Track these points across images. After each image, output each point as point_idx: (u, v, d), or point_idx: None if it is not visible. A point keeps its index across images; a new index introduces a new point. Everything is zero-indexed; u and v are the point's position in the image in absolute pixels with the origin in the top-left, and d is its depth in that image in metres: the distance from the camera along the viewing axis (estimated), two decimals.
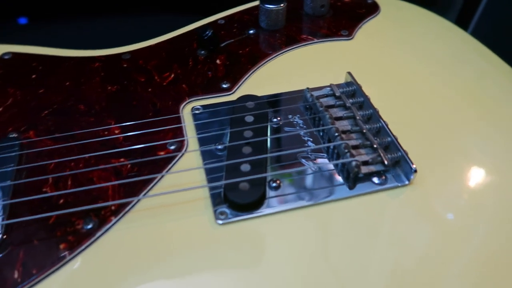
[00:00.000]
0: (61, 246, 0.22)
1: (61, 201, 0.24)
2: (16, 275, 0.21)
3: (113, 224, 0.23)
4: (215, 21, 0.38)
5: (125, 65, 0.33)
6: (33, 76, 0.32)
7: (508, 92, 0.33)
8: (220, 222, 0.23)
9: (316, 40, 0.36)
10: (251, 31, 0.37)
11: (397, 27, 0.38)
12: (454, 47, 0.37)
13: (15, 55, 0.34)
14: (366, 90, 0.30)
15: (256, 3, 0.40)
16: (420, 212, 0.24)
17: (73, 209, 0.23)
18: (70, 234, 0.22)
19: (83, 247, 0.22)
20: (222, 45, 0.35)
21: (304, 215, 0.24)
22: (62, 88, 0.31)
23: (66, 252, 0.21)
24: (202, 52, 0.34)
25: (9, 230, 0.22)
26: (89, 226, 0.22)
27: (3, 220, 0.22)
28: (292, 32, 0.37)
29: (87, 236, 0.22)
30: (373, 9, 0.40)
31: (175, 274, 0.21)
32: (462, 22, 0.60)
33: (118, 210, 0.23)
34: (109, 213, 0.23)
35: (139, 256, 0.22)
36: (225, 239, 0.22)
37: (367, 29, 0.38)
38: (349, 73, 0.31)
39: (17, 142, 0.26)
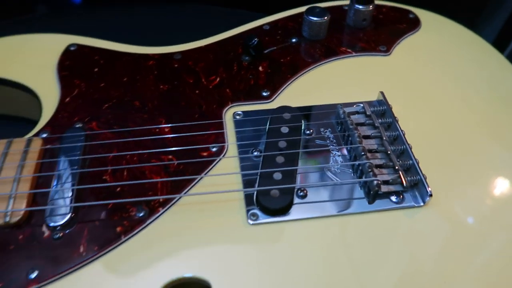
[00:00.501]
0: (118, 229, 0.26)
1: (118, 189, 0.28)
2: (81, 249, 0.25)
3: (160, 215, 0.27)
4: (261, 26, 0.41)
5: (176, 65, 0.36)
6: (95, 70, 0.36)
7: None
8: (251, 222, 0.27)
9: (354, 54, 0.38)
10: (294, 40, 0.39)
11: (435, 46, 0.39)
12: (489, 71, 0.38)
13: (80, 47, 0.38)
14: (396, 109, 0.32)
15: (301, 9, 0.42)
16: (431, 232, 0.27)
17: (129, 199, 0.27)
18: (125, 220, 0.26)
19: (135, 231, 0.26)
20: (266, 51, 0.38)
21: (326, 223, 0.27)
22: (120, 83, 0.35)
23: (122, 235, 0.26)
24: (246, 58, 0.37)
25: (76, 211, 0.26)
26: (141, 214, 0.26)
27: (71, 202, 0.26)
28: (332, 43, 0.39)
29: (139, 223, 0.26)
30: (414, 24, 0.41)
31: (208, 262, 0.25)
32: (500, 42, 0.60)
33: (165, 203, 0.27)
34: (157, 204, 0.27)
35: (180, 243, 0.26)
36: (254, 237, 0.26)
37: (406, 46, 0.39)
38: (381, 92, 0.33)
39: (82, 133, 0.30)
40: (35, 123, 0.37)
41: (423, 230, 0.27)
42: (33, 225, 0.26)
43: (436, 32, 0.41)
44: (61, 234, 0.25)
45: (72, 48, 0.37)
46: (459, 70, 0.37)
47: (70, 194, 0.27)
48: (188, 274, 0.24)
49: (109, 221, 0.26)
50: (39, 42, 0.39)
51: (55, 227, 0.26)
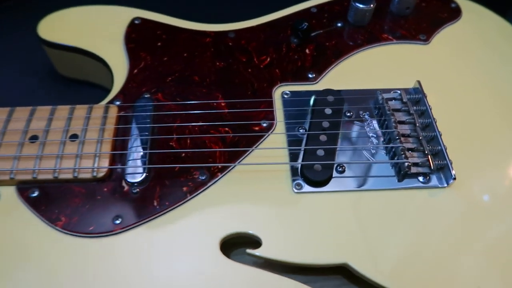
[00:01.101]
0: (184, 188, 0.31)
1: (183, 155, 0.32)
2: (155, 203, 0.30)
3: (219, 179, 0.31)
4: (309, 9, 0.43)
5: (230, 43, 0.40)
6: (158, 44, 0.40)
7: None
8: (296, 190, 0.31)
9: (395, 41, 0.41)
10: (339, 24, 0.42)
11: (473, 37, 0.42)
12: None
13: (144, 21, 0.41)
14: (431, 97, 0.36)
15: None
16: (450, 210, 0.31)
17: (195, 165, 0.31)
18: (190, 181, 0.31)
19: (199, 192, 0.31)
20: (313, 34, 0.41)
21: (359, 196, 0.31)
22: (181, 58, 0.39)
23: (188, 194, 0.30)
24: (295, 40, 0.40)
25: (149, 171, 0.31)
26: (203, 178, 0.31)
27: (145, 164, 0.31)
28: (375, 29, 0.41)
29: (201, 185, 0.31)
30: (455, 14, 0.43)
31: (259, 221, 0.30)
32: None
33: (223, 169, 0.32)
34: (216, 170, 0.32)
35: (235, 204, 0.30)
36: (297, 204, 0.31)
37: (445, 35, 0.42)
38: (418, 81, 0.36)
39: (151, 103, 0.35)
40: (102, 88, 0.42)
41: (444, 208, 0.31)
42: (115, 181, 0.31)
43: (476, 23, 0.43)
44: (138, 190, 0.31)
45: (136, 22, 0.41)
46: (493, 63, 0.40)
47: (144, 156, 0.32)
48: (243, 230, 0.29)
49: (177, 182, 0.31)
50: (106, 13, 0.42)
51: (133, 183, 0.31)
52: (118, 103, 0.35)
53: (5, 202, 0.30)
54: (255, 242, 0.29)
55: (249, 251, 0.29)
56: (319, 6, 0.43)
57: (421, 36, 0.41)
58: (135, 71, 0.37)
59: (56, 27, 0.40)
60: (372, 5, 0.40)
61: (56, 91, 0.44)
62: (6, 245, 0.28)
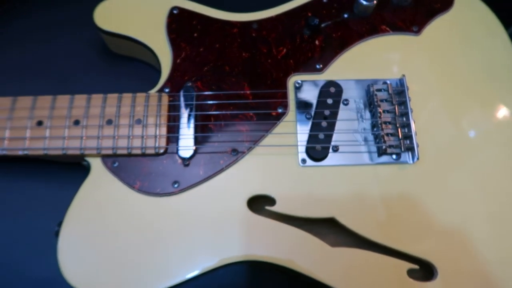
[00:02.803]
0: (221, 161, 0.43)
1: (219, 135, 0.44)
2: (201, 172, 0.42)
3: (245, 155, 0.43)
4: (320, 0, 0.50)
5: (253, 34, 0.48)
6: (195, 35, 0.48)
7: None
8: (301, 164, 0.43)
9: (391, 32, 0.48)
10: (345, 15, 0.49)
11: (460, 30, 0.49)
12: (495, 58, 0.48)
13: (181, 10, 0.49)
14: (414, 87, 0.45)
15: None
16: (414, 180, 0.43)
17: (229, 143, 0.43)
18: (225, 156, 0.43)
19: (231, 164, 0.43)
20: (323, 25, 0.48)
21: (348, 168, 0.43)
22: (214, 49, 0.47)
23: (224, 165, 0.42)
24: (307, 32, 0.48)
25: (196, 149, 0.43)
26: (234, 153, 0.43)
27: (193, 143, 0.43)
28: (376, 21, 0.49)
29: (233, 158, 0.43)
30: (448, 4, 0.50)
31: (275, 186, 0.42)
32: None
33: (248, 148, 0.43)
34: (243, 147, 0.43)
35: (257, 173, 0.42)
36: (302, 174, 0.43)
37: (435, 26, 0.49)
38: (403, 75, 0.45)
39: (194, 93, 0.45)
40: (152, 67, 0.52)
41: (409, 179, 0.43)
42: (171, 155, 0.43)
43: (463, 14, 0.49)
44: (188, 162, 0.43)
45: (175, 12, 0.49)
46: (473, 55, 0.48)
47: (193, 138, 0.43)
48: (262, 192, 0.42)
49: (216, 157, 0.43)
50: (146, 2, 0.50)
51: (184, 158, 0.43)
52: (167, 90, 0.45)
53: (96, 170, 0.42)
54: (272, 200, 0.42)
55: (268, 207, 0.42)
56: None
57: (414, 28, 0.48)
58: (178, 60, 0.47)
59: (109, 16, 0.48)
60: (375, 1, 0.47)
61: (107, 65, 0.54)
62: (101, 201, 0.41)
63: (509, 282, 0.41)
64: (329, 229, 0.42)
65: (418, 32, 0.48)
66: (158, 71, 0.49)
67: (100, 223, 0.41)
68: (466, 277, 0.40)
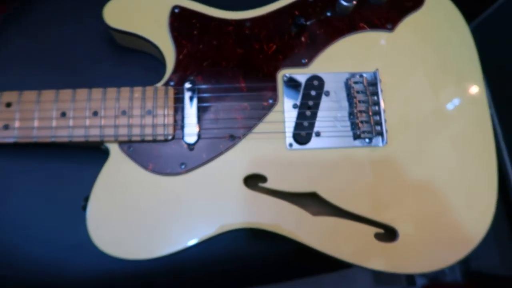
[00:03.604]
0: (221, 146, 0.50)
1: (218, 123, 0.51)
2: (204, 155, 0.50)
3: (241, 140, 0.50)
4: None
5: (247, 32, 0.54)
6: (195, 32, 0.54)
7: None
8: (289, 148, 0.51)
9: (368, 29, 0.55)
10: (328, 14, 0.55)
11: (429, 26, 0.55)
12: (456, 54, 0.55)
13: (181, 9, 0.55)
14: (387, 78, 0.52)
15: None
16: (384, 159, 0.51)
17: (226, 130, 0.50)
18: (224, 141, 0.50)
19: (229, 148, 0.50)
20: (308, 23, 0.55)
21: (329, 150, 0.51)
22: (212, 45, 0.54)
23: (223, 149, 0.50)
24: (295, 29, 0.54)
25: (199, 135, 0.50)
26: (231, 139, 0.50)
27: (199, 131, 0.50)
28: (355, 19, 0.55)
29: (230, 144, 0.50)
30: (418, 3, 0.56)
31: (264, 166, 0.50)
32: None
33: (244, 134, 0.51)
34: (239, 134, 0.51)
35: (250, 155, 0.50)
36: (290, 156, 0.50)
37: (406, 24, 0.55)
38: (377, 69, 0.52)
39: (196, 86, 0.52)
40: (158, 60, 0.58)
41: (380, 158, 0.51)
42: (178, 141, 0.50)
43: (433, 12, 0.56)
44: (193, 147, 0.50)
45: (176, 10, 0.55)
46: (438, 49, 0.55)
47: (196, 126, 0.50)
48: (256, 171, 0.50)
49: (216, 142, 0.50)
50: (150, 1, 0.55)
51: (189, 143, 0.50)
52: (172, 84, 0.52)
53: (114, 154, 0.50)
54: (264, 178, 0.50)
55: (261, 184, 0.50)
56: None
57: (388, 25, 0.55)
58: (180, 56, 0.53)
59: (117, 14, 0.54)
60: (354, 2, 0.53)
61: (115, 57, 0.60)
62: (120, 180, 0.49)
63: (460, 242, 0.50)
64: (311, 201, 0.51)
65: (392, 29, 0.55)
66: (160, 62, 0.56)
67: (120, 198, 0.49)
68: (422, 240, 0.49)
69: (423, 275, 1.01)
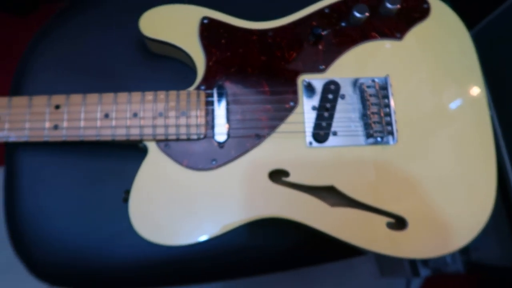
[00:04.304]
0: (247, 144, 0.56)
1: (245, 123, 0.57)
2: (233, 152, 0.56)
3: (265, 139, 0.56)
4: (323, 9, 0.61)
5: (269, 41, 0.60)
6: (223, 41, 0.60)
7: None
8: (309, 146, 0.56)
9: (379, 38, 0.60)
10: (343, 24, 0.61)
11: (434, 35, 0.60)
12: (466, 61, 0.60)
13: (210, 20, 0.60)
14: (396, 83, 0.58)
15: None
16: (393, 155, 0.56)
17: (251, 131, 0.56)
18: (250, 140, 0.56)
19: (255, 146, 0.56)
20: (324, 33, 0.60)
21: (345, 148, 0.56)
22: (238, 53, 0.59)
23: (249, 147, 0.56)
24: (312, 38, 0.60)
25: (228, 135, 0.56)
26: (257, 138, 0.56)
27: (228, 131, 0.56)
28: (367, 29, 0.60)
29: (256, 142, 0.56)
30: (425, 14, 0.61)
31: (289, 161, 0.55)
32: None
33: (268, 133, 0.56)
34: (264, 133, 0.56)
35: (275, 152, 0.56)
36: (310, 153, 0.56)
37: (414, 33, 0.60)
38: (388, 75, 0.58)
39: (224, 90, 0.57)
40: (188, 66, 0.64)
41: (390, 155, 0.56)
42: (209, 140, 0.56)
43: (437, 22, 0.61)
44: (222, 145, 0.56)
45: (205, 21, 0.60)
46: (442, 56, 0.60)
47: (225, 126, 0.56)
48: (279, 167, 0.55)
49: (243, 140, 0.56)
50: (183, 12, 0.61)
51: (219, 142, 0.56)
52: (203, 88, 0.58)
53: (152, 151, 0.55)
54: (286, 173, 0.56)
55: (284, 178, 0.55)
56: (331, 7, 0.61)
57: (397, 34, 0.60)
58: (210, 63, 0.59)
59: (152, 24, 0.59)
60: (367, 14, 0.59)
61: (148, 63, 0.65)
62: (158, 174, 0.55)
63: (462, 232, 0.56)
64: (328, 193, 0.56)
65: (400, 37, 0.60)
66: (188, 67, 0.61)
67: (157, 190, 0.54)
68: (430, 229, 0.55)
69: (427, 266, 1.07)
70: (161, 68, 0.65)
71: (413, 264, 1.08)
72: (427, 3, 0.62)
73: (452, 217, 0.56)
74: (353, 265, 1.15)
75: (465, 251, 1.05)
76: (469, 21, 0.63)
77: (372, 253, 0.56)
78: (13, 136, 0.55)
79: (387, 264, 1.15)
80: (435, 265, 1.05)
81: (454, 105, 0.59)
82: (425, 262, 1.06)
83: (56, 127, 0.55)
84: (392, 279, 1.17)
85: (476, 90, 0.60)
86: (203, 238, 0.53)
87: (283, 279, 1.13)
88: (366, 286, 1.15)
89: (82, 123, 0.55)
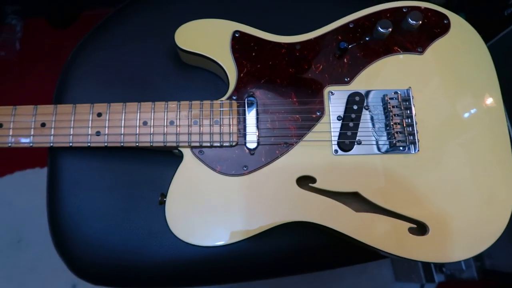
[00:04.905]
0: (277, 152, 0.59)
1: (275, 131, 0.60)
2: (263, 159, 0.59)
3: (294, 147, 0.59)
4: (348, 24, 0.65)
5: (297, 54, 0.63)
6: (253, 54, 0.63)
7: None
8: (334, 154, 0.59)
9: (401, 52, 0.63)
10: (367, 38, 0.64)
11: (454, 49, 0.63)
12: (484, 73, 0.63)
13: (241, 34, 0.64)
14: (418, 95, 0.61)
15: (377, 8, 0.65)
16: (415, 163, 0.59)
17: (281, 139, 0.59)
18: (279, 148, 0.59)
19: (284, 153, 0.59)
20: (350, 47, 0.64)
21: (369, 157, 0.60)
22: (267, 65, 0.63)
23: (279, 154, 0.59)
24: (338, 52, 0.63)
25: (259, 142, 0.59)
26: (286, 146, 0.59)
27: (258, 139, 0.59)
28: (390, 43, 0.64)
29: (285, 150, 0.59)
30: (445, 29, 0.65)
31: (315, 167, 0.59)
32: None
33: (296, 141, 0.60)
34: (292, 141, 0.60)
35: (302, 158, 0.59)
36: (335, 161, 0.59)
37: (435, 47, 0.64)
38: (410, 87, 0.61)
39: (255, 99, 0.61)
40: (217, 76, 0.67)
41: (412, 163, 0.59)
42: (241, 147, 0.59)
43: (457, 37, 0.64)
44: (253, 152, 0.59)
45: (237, 35, 0.64)
46: (462, 68, 0.63)
47: (256, 134, 0.59)
48: (306, 173, 0.59)
49: (273, 148, 0.59)
50: (214, 26, 0.65)
51: (250, 149, 0.59)
52: (235, 98, 0.61)
53: (187, 157, 0.59)
54: (313, 179, 0.59)
55: (310, 184, 0.59)
56: (355, 21, 0.65)
57: (419, 49, 0.64)
58: (241, 74, 0.62)
59: (187, 37, 0.63)
60: (390, 29, 0.62)
61: (181, 73, 0.69)
62: (193, 179, 0.58)
63: (481, 238, 0.58)
64: (353, 199, 0.60)
65: (422, 52, 0.64)
66: (218, 77, 0.65)
67: (192, 194, 0.58)
68: (449, 234, 0.58)
69: (441, 272, 1.09)
70: (193, 77, 0.69)
71: (427, 270, 1.10)
72: (447, 19, 0.65)
73: (471, 223, 0.58)
74: (368, 270, 1.18)
75: (479, 258, 1.08)
76: (487, 34, 0.66)
77: (393, 257, 0.59)
78: (58, 142, 0.59)
79: (402, 269, 1.17)
80: (449, 271, 1.07)
81: (472, 115, 0.62)
82: (440, 268, 1.09)
83: (98, 133, 0.59)
84: (406, 284, 1.19)
85: (494, 102, 0.63)
86: (234, 240, 0.57)
87: (300, 281, 1.16)
88: None
89: (122, 130, 0.59)
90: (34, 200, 1.19)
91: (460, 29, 0.65)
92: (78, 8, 1.17)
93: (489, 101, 0.63)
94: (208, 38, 0.64)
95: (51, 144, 0.59)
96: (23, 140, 0.59)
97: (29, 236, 1.17)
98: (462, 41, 0.65)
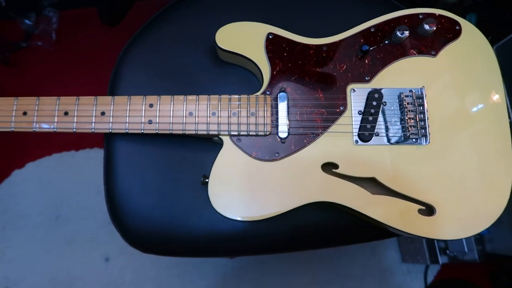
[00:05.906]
0: (305, 140, 0.68)
1: (302, 123, 0.69)
2: (292, 147, 0.68)
3: (320, 137, 0.68)
4: (369, 28, 0.73)
5: (324, 55, 0.72)
6: (285, 54, 0.71)
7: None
8: (355, 144, 0.68)
9: (416, 55, 0.71)
10: (386, 41, 0.72)
11: (465, 53, 0.71)
12: (491, 76, 0.71)
13: (274, 35, 0.72)
14: (431, 93, 0.69)
15: (396, 14, 0.73)
16: (426, 154, 0.68)
17: (308, 130, 0.68)
18: (307, 137, 0.68)
19: (311, 142, 0.68)
20: (370, 49, 0.72)
21: (386, 147, 0.68)
22: (297, 64, 0.71)
23: (306, 143, 0.68)
24: (360, 53, 0.71)
25: (289, 132, 0.68)
26: (312, 136, 0.68)
27: (289, 129, 0.68)
28: (407, 46, 0.72)
29: (312, 139, 0.68)
30: (457, 34, 0.72)
31: (337, 155, 0.67)
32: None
33: (322, 132, 0.68)
34: (318, 132, 0.68)
35: (326, 147, 0.68)
36: (356, 150, 0.68)
37: (447, 51, 0.71)
38: (423, 86, 0.69)
39: (286, 95, 0.69)
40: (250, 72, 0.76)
41: (423, 153, 0.68)
42: (273, 136, 0.68)
43: (467, 42, 0.72)
44: (284, 141, 0.68)
45: (270, 37, 0.72)
46: (472, 71, 0.71)
47: (287, 125, 0.68)
48: (330, 160, 0.67)
49: (301, 137, 0.68)
50: (250, 28, 0.73)
51: (282, 138, 0.68)
52: (268, 93, 0.70)
53: (227, 144, 0.68)
54: (336, 165, 0.68)
55: (333, 170, 0.67)
56: (376, 26, 0.73)
57: (432, 52, 0.71)
58: (274, 72, 0.71)
59: (226, 38, 0.72)
60: (407, 34, 0.70)
61: (219, 69, 0.78)
62: (231, 164, 0.67)
63: (483, 218, 0.67)
64: (370, 183, 0.68)
65: (435, 55, 0.71)
66: (251, 73, 0.74)
67: (231, 176, 0.67)
68: (454, 215, 0.66)
69: (445, 254, 1.18)
70: (229, 73, 0.77)
71: (432, 252, 1.19)
72: (459, 25, 0.73)
73: (473, 207, 0.67)
74: (377, 252, 1.28)
75: (480, 242, 1.16)
76: (494, 38, 0.73)
77: (403, 234, 0.68)
78: (116, 128, 0.68)
79: (408, 251, 1.27)
80: (453, 253, 1.16)
81: (478, 111, 0.70)
82: (444, 250, 1.18)
83: (150, 122, 0.68)
84: (412, 265, 1.28)
85: (498, 99, 0.71)
86: (265, 216, 0.66)
87: (312, 262, 1.26)
88: (388, 270, 1.27)
89: (171, 119, 0.68)
90: (70, 180, 1.29)
91: (471, 34, 0.73)
92: (128, 6, 1.25)
93: (494, 98, 0.71)
94: (244, 39, 0.72)
95: (110, 130, 0.68)
96: (86, 126, 0.68)
97: (66, 212, 1.28)
98: (472, 46, 0.72)
